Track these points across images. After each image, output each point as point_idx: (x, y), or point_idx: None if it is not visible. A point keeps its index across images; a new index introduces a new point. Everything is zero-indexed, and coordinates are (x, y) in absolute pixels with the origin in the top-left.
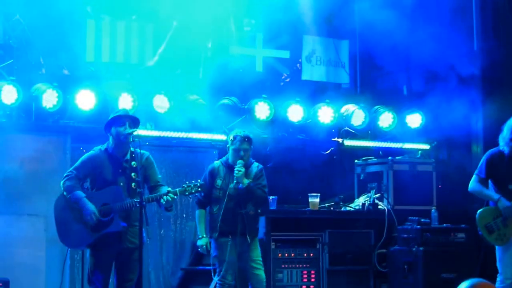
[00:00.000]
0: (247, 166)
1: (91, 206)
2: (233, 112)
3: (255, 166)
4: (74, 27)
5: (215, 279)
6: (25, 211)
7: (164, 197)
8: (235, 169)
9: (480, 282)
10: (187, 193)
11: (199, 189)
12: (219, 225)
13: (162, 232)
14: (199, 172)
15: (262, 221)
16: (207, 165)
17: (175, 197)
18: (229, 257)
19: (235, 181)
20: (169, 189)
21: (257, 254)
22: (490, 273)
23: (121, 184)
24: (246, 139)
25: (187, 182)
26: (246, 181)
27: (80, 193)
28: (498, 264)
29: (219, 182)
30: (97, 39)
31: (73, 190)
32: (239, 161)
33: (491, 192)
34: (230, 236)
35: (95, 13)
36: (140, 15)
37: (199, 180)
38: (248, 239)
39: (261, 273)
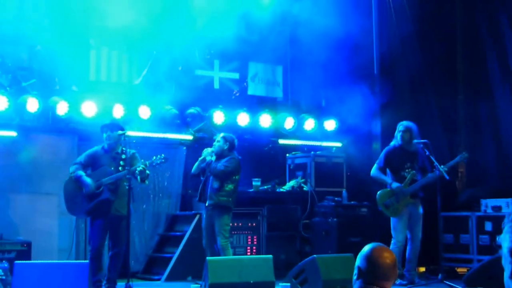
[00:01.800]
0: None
1: (88, 180)
2: (197, 119)
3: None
4: (81, 55)
5: None
6: (42, 190)
7: (138, 168)
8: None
9: (378, 245)
10: (154, 163)
11: (163, 160)
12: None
13: (144, 206)
14: (171, 163)
15: None
16: (178, 158)
17: (145, 167)
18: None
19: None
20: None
21: (218, 223)
22: (385, 238)
23: (112, 168)
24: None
25: (154, 157)
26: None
27: (81, 172)
28: (392, 232)
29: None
30: (97, 63)
31: (76, 171)
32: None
33: (386, 177)
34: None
35: (96, 45)
36: (129, 46)
37: (162, 155)
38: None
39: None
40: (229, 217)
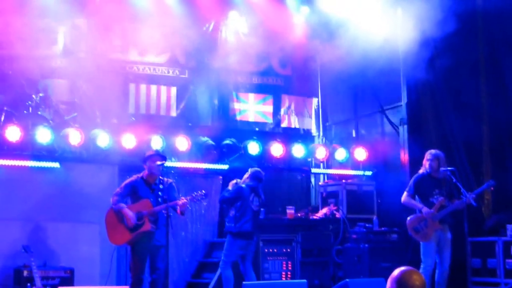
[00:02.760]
0: None
1: (130, 213)
2: (233, 149)
3: None
4: (120, 89)
5: None
6: (84, 219)
7: (178, 206)
8: None
9: (408, 268)
10: (195, 199)
11: (204, 196)
12: None
13: (183, 234)
14: (208, 192)
15: None
16: (214, 187)
17: (186, 201)
18: None
19: None
20: (183, 197)
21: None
22: (415, 263)
23: (151, 200)
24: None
25: (195, 192)
26: None
27: (123, 205)
28: (422, 256)
29: None
30: (136, 97)
31: (117, 203)
32: None
33: (417, 203)
34: None
35: (135, 79)
36: (166, 82)
37: (203, 191)
38: None
39: None
40: (233, 241)
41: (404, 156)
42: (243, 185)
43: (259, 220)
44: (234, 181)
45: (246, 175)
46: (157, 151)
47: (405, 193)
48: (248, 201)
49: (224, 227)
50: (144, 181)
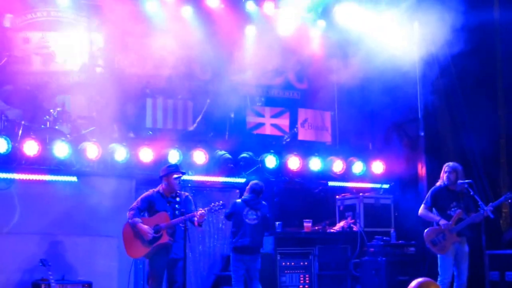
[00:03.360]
0: None
1: (145, 227)
2: (250, 163)
3: None
4: (137, 103)
5: None
6: (102, 233)
7: (196, 217)
8: None
9: (426, 279)
10: (212, 210)
11: (221, 207)
12: None
13: (200, 247)
14: (225, 206)
15: (271, 239)
16: (231, 201)
17: (204, 212)
18: None
19: None
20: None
21: None
22: (432, 276)
23: (168, 213)
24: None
25: (212, 203)
26: None
27: (138, 220)
28: (439, 269)
29: None
30: (153, 111)
31: (133, 217)
32: None
33: (434, 215)
34: None
35: (152, 94)
36: (183, 95)
37: (221, 201)
38: None
39: None
40: (233, 256)
41: (421, 169)
42: (239, 200)
43: (260, 234)
44: None
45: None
46: (175, 165)
47: (422, 206)
48: (241, 215)
49: None
50: (161, 195)
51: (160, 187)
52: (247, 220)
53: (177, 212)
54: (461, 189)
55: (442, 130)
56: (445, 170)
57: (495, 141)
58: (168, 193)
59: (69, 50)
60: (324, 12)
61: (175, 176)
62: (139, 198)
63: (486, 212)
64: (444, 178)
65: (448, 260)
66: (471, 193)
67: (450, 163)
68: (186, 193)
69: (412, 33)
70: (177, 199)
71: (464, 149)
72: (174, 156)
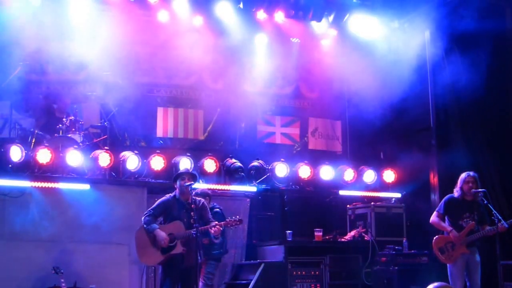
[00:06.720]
0: None
1: (163, 234)
2: (260, 171)
3: None
4: (148, 113)
5: None
6: (113, 240)
7: (214, 236)
8: None
9: (442, 284)
10: (229, 225)
11: (238, 222)
12: None
13: None
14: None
15: (281, 248)
16: (242, 209)
17: (220, 228)
18: None
19: None
20: (217, 223)
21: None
22: None
23: (184, 220)
24: None
25: (229, 218)
26: None
27: (155, 226)
28: (449, 279)
29: None
30: (164, 120)
31: (150, 223)
32: None
33: (445, 224)
34: None
35: (163, 103)
36: (193, 105)
37: (238, 217)
38: None
39: None
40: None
41: (434, 178)
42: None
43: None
44: None
45: None
46: (187, 169)
47: (434, 213)
48: None
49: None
50: (177, 200)
51: (175, 192)
52: None
53: (192, 219)
54: (475, 198)
55: (455, 139)
56: (461, 178)
57: (509, 150)
58: (183, 198)
59: (81, 59)
60: (336, 21)
61: (187, 182)
62: (155, 203)
63: (503, 225)
64: (459, 187)
65: (456, 269)
66: (485, 202)
67: (465, 172)
68: (202, 199)
69: (424, 42)
70: (193, 205)
71: (477, 158)
72: (185, 164)
